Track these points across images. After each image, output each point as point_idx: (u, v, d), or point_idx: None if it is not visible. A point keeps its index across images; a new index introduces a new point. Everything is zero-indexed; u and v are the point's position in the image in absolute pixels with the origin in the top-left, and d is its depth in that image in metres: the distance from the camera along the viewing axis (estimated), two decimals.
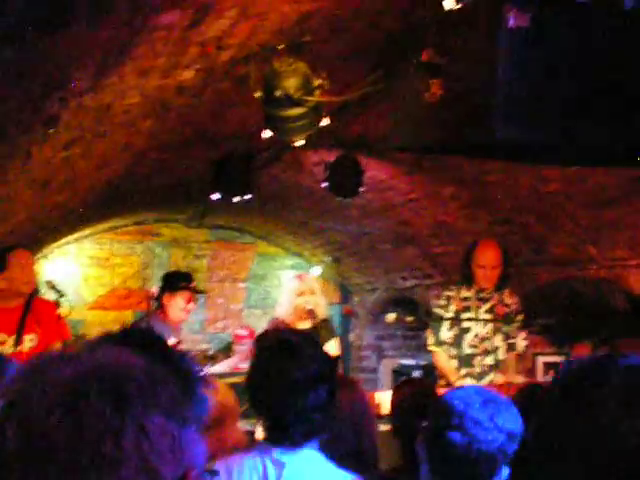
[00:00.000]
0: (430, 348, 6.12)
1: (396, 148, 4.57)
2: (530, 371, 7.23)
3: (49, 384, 1.01)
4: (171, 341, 6.06)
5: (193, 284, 6.44)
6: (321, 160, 6.12)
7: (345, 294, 10.35)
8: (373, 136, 5.63)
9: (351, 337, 10.13)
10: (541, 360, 7.32)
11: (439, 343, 6.02)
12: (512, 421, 2.45)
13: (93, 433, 0.98)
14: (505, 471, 2.44)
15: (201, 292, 7.06)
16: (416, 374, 8.34)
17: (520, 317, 6.06)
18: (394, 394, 4.10)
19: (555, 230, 6.07)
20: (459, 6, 2.85)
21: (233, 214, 8.90)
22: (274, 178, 7.13)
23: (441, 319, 5.98)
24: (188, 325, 9.54)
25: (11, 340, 5.23)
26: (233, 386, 3.33)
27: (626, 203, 5.31)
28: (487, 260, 5.91)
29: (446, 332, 6.01)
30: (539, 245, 6.40)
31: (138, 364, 1.07)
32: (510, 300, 6.09)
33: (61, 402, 0.99)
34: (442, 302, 6.08)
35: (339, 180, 6.05)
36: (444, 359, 6.01)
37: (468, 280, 6.03)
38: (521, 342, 6.06)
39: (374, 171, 6.46)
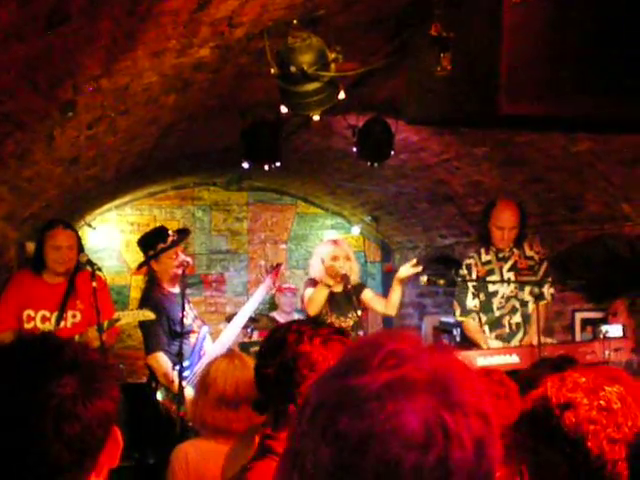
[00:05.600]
0: (458, 319, 6.14)
1: (418, 121, 4.52)
2: (568, 327, 7.22)
3: (406, 417, 0.89)
4: (190, 316, 5.93)
5: (170, 237, 5.87)
6: (351, 125, 6.09)
7: (386, 252, 10.35)
8: (400, 101, 5.58)
9: None
10: (579, 316, 7.29)
11: (466, 313, 6.02)
12: None
13: None
14: None
15: (185, 232, 6.39)
16: (456, 332, 8.38)
17: (544, 265, 6.01)
18: None
19: (588, 188, 6.00)
20: None
21: (271, 176, 8.93)
22: (306, 142, 7.14)
23: (469, 281, 5.96)
24: (231, 288, 9.68)
25: (54, 317, 5.36)
26: None
27: None
28: (506, 221, 5.83)
29: (471, 301, 5.99)
30: (574, 203, 6.33)
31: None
32: (531, 252, 6.03)
33: (424, 441, 0.88)
34: (464, 272, 6.06)
35: (369, 146, 5.99)
36: (472, 328, 6.01)
37: (485, 240, 5.99)
38: (548, 291, 5.99)
39: (405, 133, 6.42)
